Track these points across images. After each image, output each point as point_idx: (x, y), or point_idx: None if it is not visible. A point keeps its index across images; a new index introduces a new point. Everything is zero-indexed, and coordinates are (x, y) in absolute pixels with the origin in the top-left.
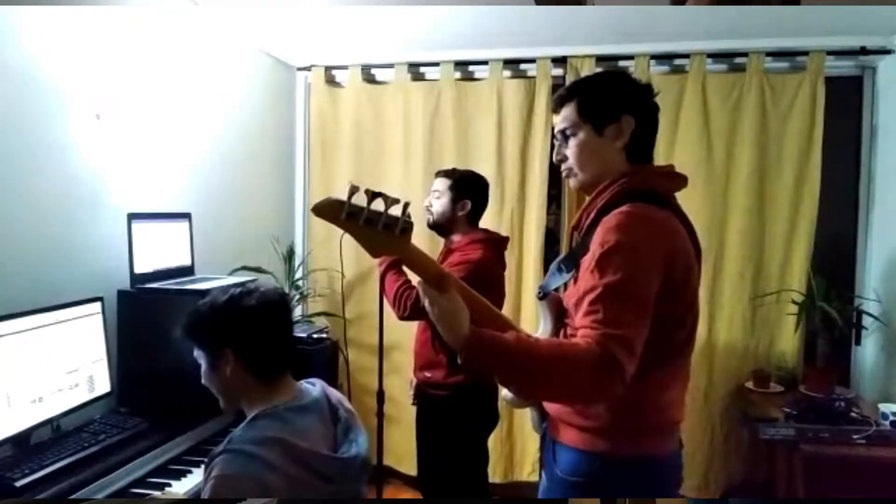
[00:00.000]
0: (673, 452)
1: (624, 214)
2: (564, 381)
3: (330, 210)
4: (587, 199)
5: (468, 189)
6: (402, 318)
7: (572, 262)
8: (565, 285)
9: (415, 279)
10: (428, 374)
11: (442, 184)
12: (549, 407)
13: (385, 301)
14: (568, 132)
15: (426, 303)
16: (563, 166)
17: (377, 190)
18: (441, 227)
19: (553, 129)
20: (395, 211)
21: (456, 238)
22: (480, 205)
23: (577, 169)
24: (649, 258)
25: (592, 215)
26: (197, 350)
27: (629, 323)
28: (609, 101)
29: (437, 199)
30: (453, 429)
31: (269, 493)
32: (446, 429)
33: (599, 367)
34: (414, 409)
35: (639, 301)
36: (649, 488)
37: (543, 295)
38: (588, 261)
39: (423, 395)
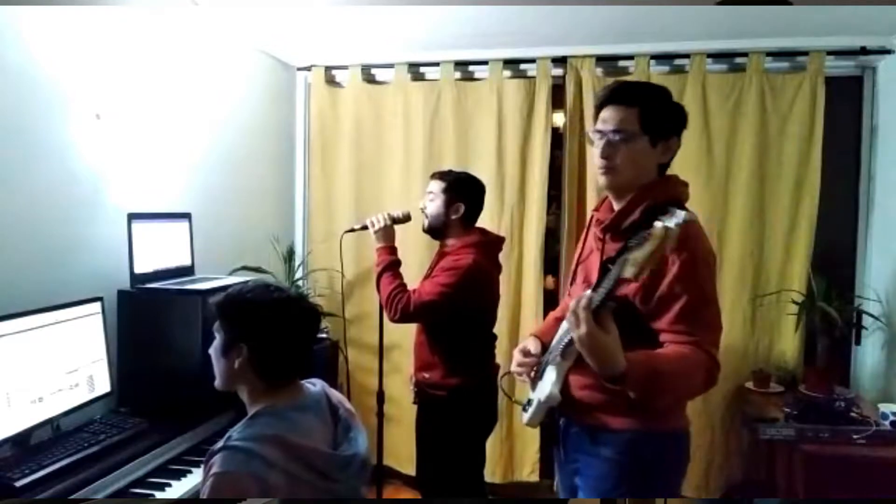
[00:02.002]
0: (689, 424)
1: (688, 225)
2: (688, 387)
3: None
4: (617, 202)
5: (462, 192)
6: (393, 321)
7: None
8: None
9: (411, 283)
10: (426, 375)
11: (436, 186)
12: (587, 396)
13: None
14: (621, 136)
15: (585, 336)
16: (605, 164)
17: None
18: (435, 230)
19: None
20: None
21: (450, 241)
22: (475, 207)
23: (621, 172)
24: (714, 263)
25: (637, 217)
26: (218, 325)
27: (717, 325)
28: (669, 120)
29: (431, 201)
30: (450, 429)
31: (268, 490)
32: (443, 429)
33: (709, 369)
34: (414, 409)
35: (717, 303)
36: (680, 457)
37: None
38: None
39: (422, 395)
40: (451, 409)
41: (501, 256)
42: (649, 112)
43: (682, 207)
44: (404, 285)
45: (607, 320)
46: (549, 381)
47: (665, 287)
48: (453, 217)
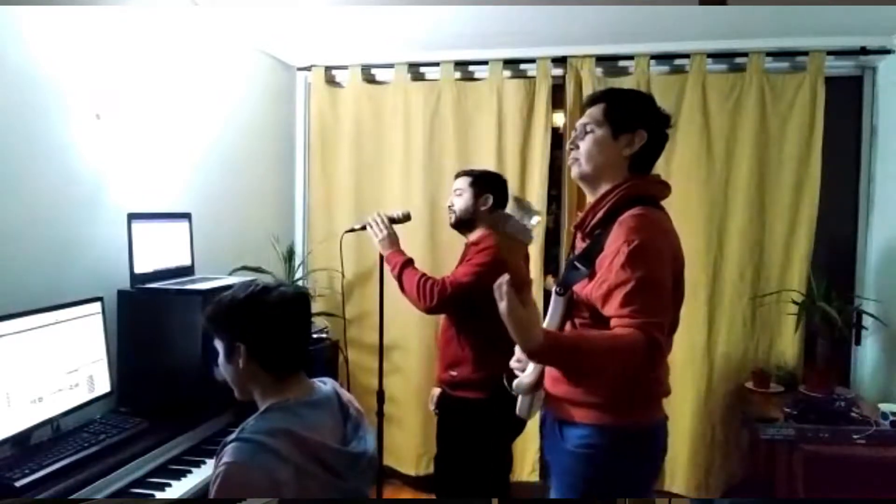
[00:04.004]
0: (664, 419)
1: (640, 217)
2: (621, 367)
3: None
4: (592, 200)
5: (489, 185)
6: (427, 309)
7: (588, 260)
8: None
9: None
10: (454, 373)
11: (463, 182)
12: (556, 389)
13: (386, 301)
14: (588, 128)
15: (506, 310)
16: (573, 154)
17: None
18: (464, 223)
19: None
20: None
21: (478, 233)
22: (501, 199)
23: (584, 161)
24: (665, 253)
25: (600, 215)
26: (216, 339)
27: (661, 309)
28: (632, 113)
29: (459, 196)
30: (481, 432)
31: (277, 483)
32: (473, 432)
33: (647, 351)
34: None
35: (664, 289)
36: (648, 453)
37: (564, 291)
38: (609, 257)
39: (447, 401)
40: (480, 412)
41: None
42: (612, 105)
43: (654, 204)
44: (426, 273)
45: (528, 297)
46: (526, 372)
47: (613, 276)
48: (482, 209)
